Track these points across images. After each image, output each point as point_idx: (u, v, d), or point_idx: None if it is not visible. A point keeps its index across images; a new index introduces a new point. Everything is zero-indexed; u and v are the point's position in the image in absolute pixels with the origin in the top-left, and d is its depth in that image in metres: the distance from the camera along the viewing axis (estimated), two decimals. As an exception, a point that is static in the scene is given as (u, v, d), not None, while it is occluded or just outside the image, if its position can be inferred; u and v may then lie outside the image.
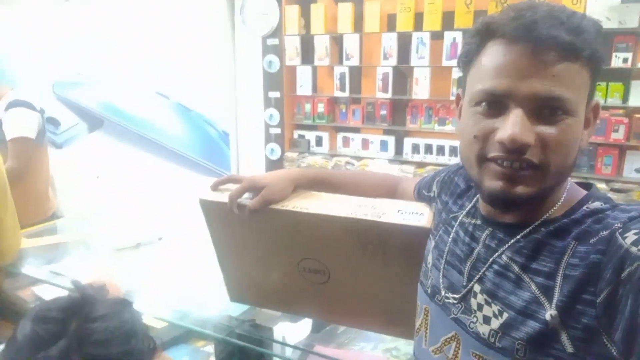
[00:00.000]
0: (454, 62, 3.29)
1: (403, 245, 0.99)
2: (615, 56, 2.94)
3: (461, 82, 0.74)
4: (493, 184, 0.65)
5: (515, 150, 0.61)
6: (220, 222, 1.18)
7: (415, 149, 3.65)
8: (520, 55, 0.61)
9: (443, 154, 3.54)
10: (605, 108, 3.02)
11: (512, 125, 0.61)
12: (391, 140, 3.75)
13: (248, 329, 1.34)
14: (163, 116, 4.35)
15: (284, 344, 1.38)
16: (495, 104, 0.64)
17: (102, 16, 4.27)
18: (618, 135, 3.04)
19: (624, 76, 2.99)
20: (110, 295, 0.92)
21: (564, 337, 0.60)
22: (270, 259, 1.19)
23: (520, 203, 0.65)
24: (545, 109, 0.61)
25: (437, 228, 0.89)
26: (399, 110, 3.71)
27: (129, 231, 2.08)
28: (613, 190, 3.06)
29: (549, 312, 0.61)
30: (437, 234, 0.88)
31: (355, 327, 1.42)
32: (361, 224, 1.00)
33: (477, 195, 0.81)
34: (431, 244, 0.89)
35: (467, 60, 0.69)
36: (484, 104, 0.65)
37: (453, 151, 3.50)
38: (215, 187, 1.14)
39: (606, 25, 2.89)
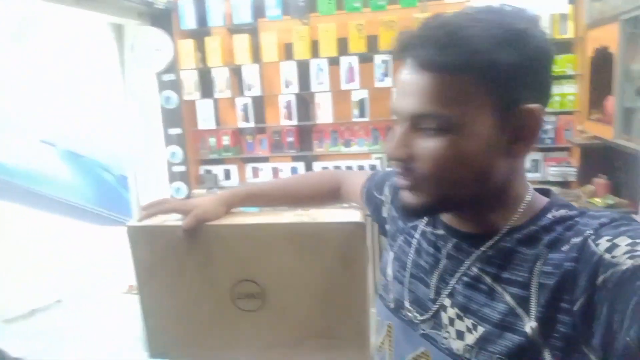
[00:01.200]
0: (353, 86, 3.42)
1: (340, 247, 0.98)
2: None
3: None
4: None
5: (395, 162, 0.66)
6: (148, 251, 1.09)
7: (326, 172, 3.69)
8: (402, 73, 0.64)
9: (353, 175, 3.62)
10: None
11: (393, 140, 0.65)
12: (300, 165, 3.77)
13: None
14: (51, 166, 3.96)
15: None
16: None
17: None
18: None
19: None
20: None
21: (545, 349, 0.58)
22: (202, 288, 1.09)
23: (416, 213, 0.69)
24: (422, 125, 0.63)
25: (395, 237, 0.86)
26: (306, 136, 3.75)
27: (21, 297, 1.82)
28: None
29: (529, 324, 0.59)
30: (395, 244, 0.85)
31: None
32: (298, 227, 0.99)
33: None
34: (389, 255, 0.86)
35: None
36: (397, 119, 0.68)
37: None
38: (145, 213, 1.05)
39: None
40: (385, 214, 0.94)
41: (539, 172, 3.39)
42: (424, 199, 0.66)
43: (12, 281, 2.15)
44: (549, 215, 0.65)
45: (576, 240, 0.59)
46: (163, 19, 3.59)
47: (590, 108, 3.00)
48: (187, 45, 3.62)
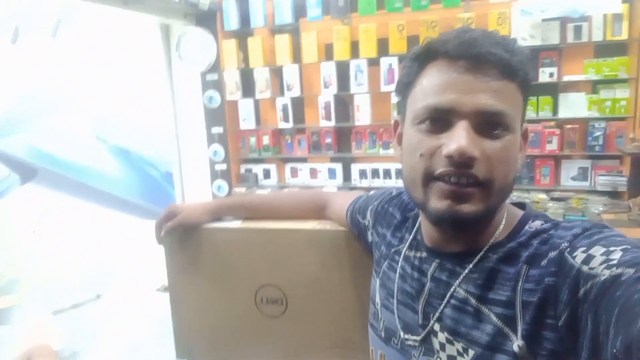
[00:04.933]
0: (393, 87, 3.36)
1: (361, 256, 0.99)
2: (542, 71, 3.11)
3: (400, 107, 0.72)
4: (439, 203, 0.62)
5: (462, 163, 0.60)
6: (180, 252, 1.15)
7: (363, 174, 3.68)
8: (463, 71, 0.61)
9: (390, 178, 3.59)
10: (538, 121, 3.17)
11: (459, 138, 0.59)
12: (338, 167, 3.76)
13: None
14: (101, 161, 4.17)
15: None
16: (440, 120, 0.62)
17: (34, 59, 4.08)
18: (552, 146, 3.18)
19: (552, 90, 3.16)
20: None
21: None
22: (228, 291, 1.14)
23: (467, 223, 0.63)
24: (487, 124, 0.61)
25: (379, 263, 0.84)
26: (344, 137, 3.74)
27: (66, 291, 1.93)
28: (553, 199, 3.18)
29: (516, 343, 0.59)
30: (380, 270, 0.83)
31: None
32: (319, 234, 1.02)
33: (417, 226, 0.78)
34: (376, 282, 0.84)
35: (408, 82, 0.68)
36: (427, 121, 0.63)
37: (399, 174, 3.53)
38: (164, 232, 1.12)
39: (531, 42, 3.06)
40: (370, 238, 0.92)
41: (587, 180, 3.22)
42: (479, 207, 0.62)
43: (58, 273, 2.28)
44: (527, 227, 0.66)
45: (553, 254, 0.59)
46: (207, 20, 3.68)
47: (644, 114, 2.82)
48: (230, 46, 3.69)
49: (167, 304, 1.21)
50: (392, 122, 0.76)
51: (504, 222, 0.68)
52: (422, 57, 0.66)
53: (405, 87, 0.69)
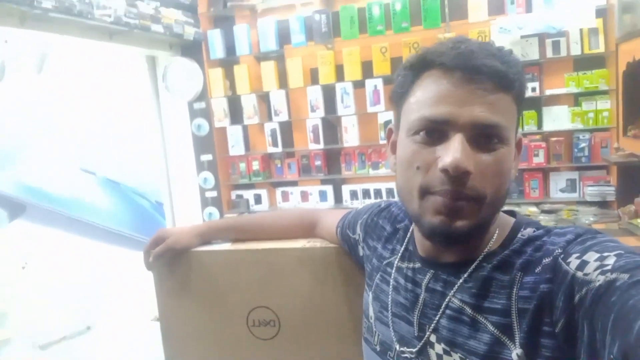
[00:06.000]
0: (378, 108, 3.41)
1: (353, 273, 0.99)
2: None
3: (394, 117, 0.72)
4: (434, 218, 0.62)
5: (457, 178, 0.59)
6: (170, 277, 1.14)
7: (354, 195, 3.68)
8: (459, 82, 0.60)
9: (381, 197, 3.59)
10: (524, 135, 3.20)
11: (454, 152, 0.59)
12: (329, 189, 3.77)
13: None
14: (90, 193, 4.13)
15: None
16: (435, 131, 0.62)
17: (19, 95, 4.08)
18: (539, 159, 3.21)
19: (535, 104, 3.21)
20: None
21: None
22: (219, 315, 1.12)
23: (460, 239, 0.63)
24: (483, 137, 0.61)
25: (371, 276, 0.84)
26: (333, 159, 3.76)
27: (55, 323, 1.89)
28: (543, 211, 3.20)
29: (515, 352, 0.58)
30: (372, 284, 0.83)
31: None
32: (310, 252, 1.02)
33: (408, 237, 0.78)
34: (369, 296, 0.83)
35: (402, 92, 0.67)
36: (422, 132, 0.63)
37: (390, 193, 3.55)
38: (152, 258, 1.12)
39: (511, 59, 3.11)
40: (361, 252, 0.92)
41: (576, 192, 3.24)
42: (472, 222, 0.61)
43: (47, 307, 2.23)
44: (519, 235, 0.66)
45: (547, 260, 0.59)
46: (193, 50, 3.72)
47: (626, 124, 2.87)
48: (217, 74, 3.73)
49: (159, 333, 1.19)
50: (383, 141, 0.76)
51: (497, 232, 0.67)
52: (417, 67, 0.65)
53: (399, 97, 0.68)
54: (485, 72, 0.60)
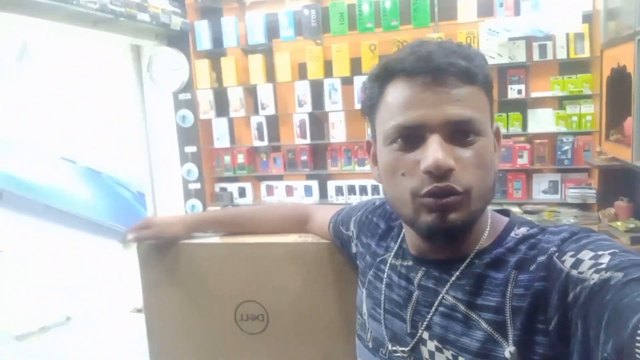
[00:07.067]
0: (366, 105, 3.40)
1: (343, 268, 0.99)
2: (511, 88, 3.20)
3: (370, 129, 0.73)
4: (428, 217, 0.63)
5: (441, 176, 0.60)
6: (156, 269, 1.12)
7: (339, 190, 3.68)
8: (424, 85, 0.61)
9: (366, 194, 3.60)
10: (508, 137, 3.24)
11: (433, 152, 0.60)
12: (314, 184, 3.76)
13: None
14: (70, 182, 4.05)
15: None
16: (411, 137, 0.63)
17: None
18: (523, 161, 3.26)
19: (521, 106, 3.25)
20: None
21: None
22: (206, 308, 1.11)
23: (456, 232, 0.63)
24: (458, 133, 0.62)
25: (365, 273, 0.84)
26: (319, 155, 3.75)
27: (33, 313, 1.85)
28: (526, 212, 3.24)
29: (508, 350, 0.59)
30: (366, 280, 0.83)
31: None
32: (300, 247, 1.01)
33: (402, 235, 0.78)
34: (362, 292, 0.83)
35: (372, 104, 0.68)
36: (399, 140, 0.64)
37: (375, 190, 3.56)
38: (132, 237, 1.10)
39: (499, 60, 3.15)
40: (354, 249, 0.92)
41: (558, 193, 3.30)
42: (464, 214, 0.62)
43: (25, 297, 2.18)
44: (512, 234, 0.66)
45: (542, 258, 0.60)
46: (179, 40, 3.67)
47: (609, 128, 2.92)
48: (203, 66, 3.68)
49: (141, 326, 1.16)
50: (366, 141, 0.77)
51: (488, 229, 0.68)
52: (382, 78, 0.66)
53: (370, 109, 0.69)
54: (448, 70, 0.61)
